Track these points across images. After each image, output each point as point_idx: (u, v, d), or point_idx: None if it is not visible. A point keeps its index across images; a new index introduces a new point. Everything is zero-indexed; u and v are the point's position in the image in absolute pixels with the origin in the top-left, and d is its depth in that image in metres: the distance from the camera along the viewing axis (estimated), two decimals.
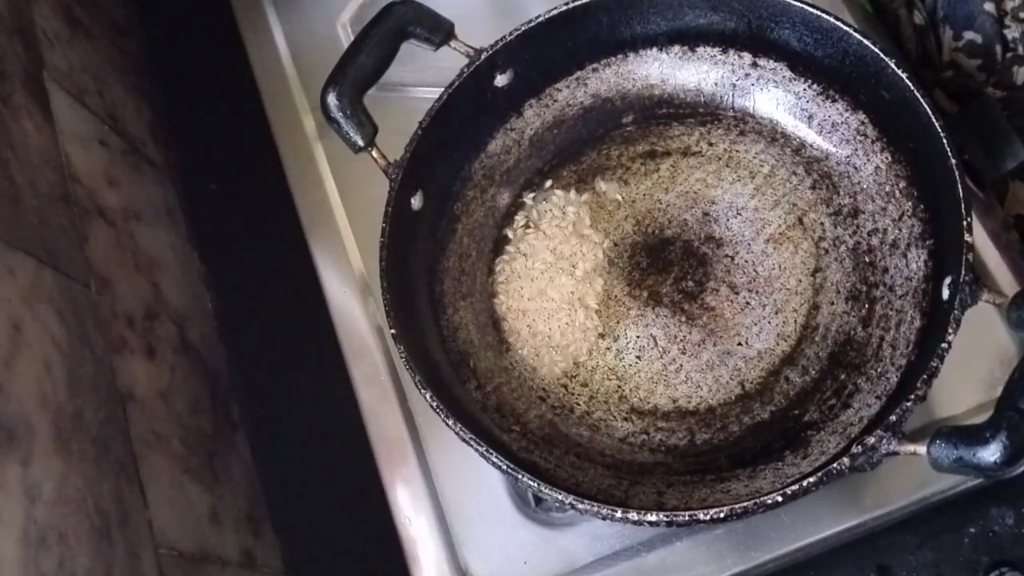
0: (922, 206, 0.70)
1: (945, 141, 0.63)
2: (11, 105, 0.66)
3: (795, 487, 0.57)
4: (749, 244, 0.76)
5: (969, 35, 0.84)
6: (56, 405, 0.57)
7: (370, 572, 0.84)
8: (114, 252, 0.75)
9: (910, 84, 0.66)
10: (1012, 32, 0.84)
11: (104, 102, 0.84)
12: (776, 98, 0.77)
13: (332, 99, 0.70)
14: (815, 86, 0.76)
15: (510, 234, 0.79)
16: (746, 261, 0.75)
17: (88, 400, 0.62)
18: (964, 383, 0.72)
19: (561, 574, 0.71)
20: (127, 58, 0.96)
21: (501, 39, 0.73)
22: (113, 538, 0.59)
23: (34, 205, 0.64)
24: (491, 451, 0.61)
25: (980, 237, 0.77)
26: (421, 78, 0.85)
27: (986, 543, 0.72)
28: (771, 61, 0.77)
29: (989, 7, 0.84)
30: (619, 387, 0.72)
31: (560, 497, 0.59)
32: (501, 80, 0.77)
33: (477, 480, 0.73)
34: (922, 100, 0.65)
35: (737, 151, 0.78)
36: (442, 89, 0.73)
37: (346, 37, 0.92)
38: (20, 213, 0.62)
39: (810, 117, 0.77)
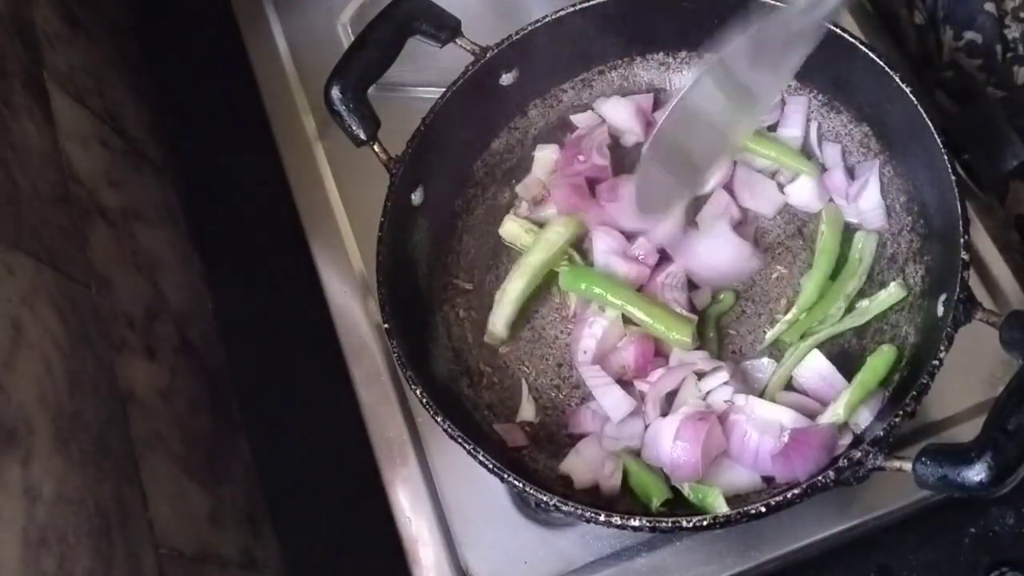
0: (922, 221, 0.70)
1: (947, 158, 0.63)
2: (11, 105, 0.66)
3: (779, 498, 0.57)
4: None
5: (969, 35, 0.84)
6: (56, 405, 0.57)
7: (370, 572, 0.84)
8: (114, 252, 0.75)
9: (914, 99, 0.66)
10: (1012, 32, 0.84)
11: (104, 102, 0.84)
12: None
13: (336, 92, 0.70)
14: (820, 96, 0.76)
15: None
16: None
17: (88, 400, 0.62)
18: (957, 396, 0.72)
19: (561, 574, 0.71)
20: (127, 58, 0.96)
21: (507, 38, 0.73)
22: (113, 538, 0.59)
23: (34, 205, 0.64)
24: (478, 449, 0.61)
25: (980, 238, 0.77)
26: (422, 78, 0.85)
27: (986, 543, 0.72)
28: None
29: (989, 7, 0.83)
30: None
31: (545, 499, 0.59)
32: (506, 79, 0.77)
33: (477, 480, 0.72)
34: (926, 116, 0.65)
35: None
36: (443, 89, 0.73)
37: (346, 37, 0.92)
38: (20, 213, 0.62)
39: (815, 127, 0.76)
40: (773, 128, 0.77)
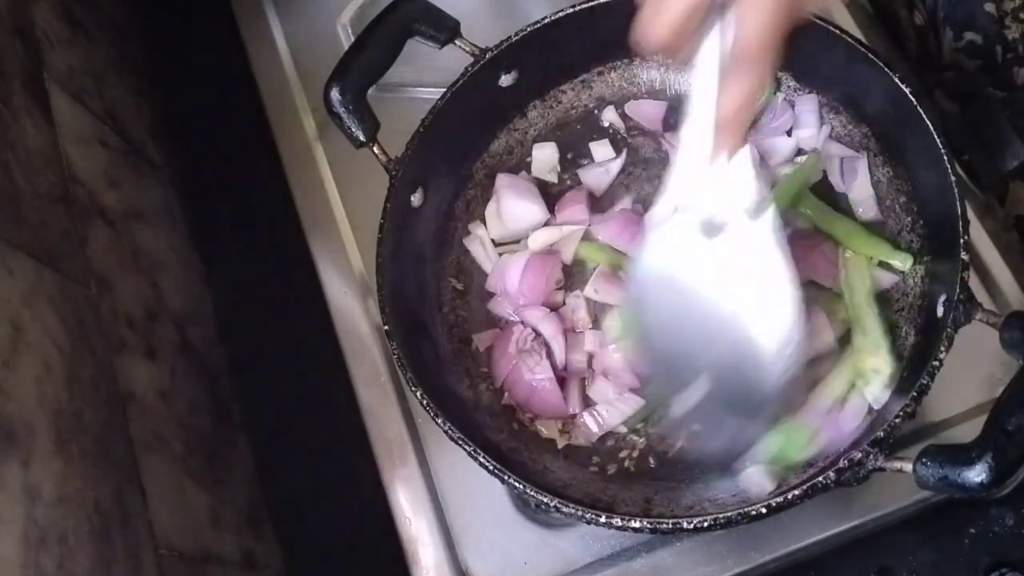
0: (921, 222, 0.70)
1: (946, 158, 0.63)
2: (11, 105, 0.66)
3: (779, 499, 0.57)
4: None
5: (969, 36, 0.84)
6: (56, 405, 0.57)
7: (370, 572, 0.84)
8: (114, 252, 0.75)
9: (914, 99, 0.65)
10: (1012, 32, 0.84)
11: (104, 102, 0.84)
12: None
13: (335, 94, 0.70)
14: (819, 97, 0.76)
15: None
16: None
17: (88, 400, 0.62)
18: (957, 396, 0.72)
19: (561, 574, 0.71)
20: (127, 58, 0.96)
21: (507, 39, 0.73)
22: (113, 538, 0.59)
23: (34, 205, 0.64)
24: (478, 451, 0.61)
25: (980, 238, 0.77)
26: (421, 78, 0.85)
27: (986, 543, 0.72)
28: (776, 71, 0.76)
29: (989, 7, 0.83)
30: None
31: (546, 500, 0.59)
32: (506, 80, 0.77)
33: (477, 480, 0.72)
34: (924, 115, 0.64)
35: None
36: (443, 89, 0.73)
37: (346, 37, 0.92)
38: (20, 213, 0.62)
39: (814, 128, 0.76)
40: (789, 132, 0.77)
